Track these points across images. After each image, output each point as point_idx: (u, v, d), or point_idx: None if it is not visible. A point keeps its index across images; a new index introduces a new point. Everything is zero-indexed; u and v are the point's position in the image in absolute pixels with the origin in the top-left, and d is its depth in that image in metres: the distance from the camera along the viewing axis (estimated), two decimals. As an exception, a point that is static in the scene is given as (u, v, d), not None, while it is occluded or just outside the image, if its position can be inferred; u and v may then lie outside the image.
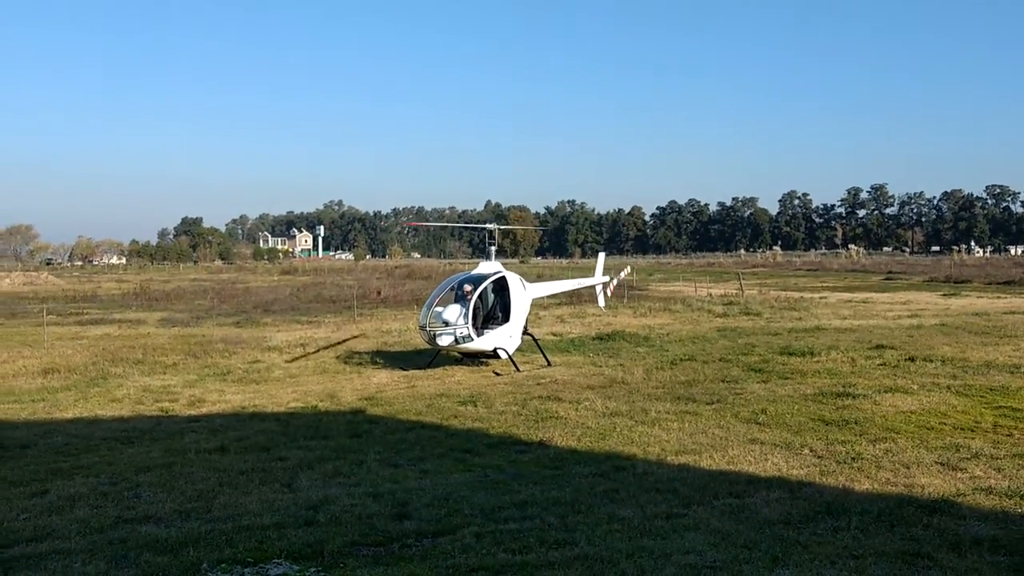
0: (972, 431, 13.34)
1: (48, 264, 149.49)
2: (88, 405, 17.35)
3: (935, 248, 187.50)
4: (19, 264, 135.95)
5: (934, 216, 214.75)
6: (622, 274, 34.82)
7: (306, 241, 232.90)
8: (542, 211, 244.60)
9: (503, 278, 22.05)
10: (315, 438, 13.92)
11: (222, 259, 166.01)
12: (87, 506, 10.20)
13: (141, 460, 12.61)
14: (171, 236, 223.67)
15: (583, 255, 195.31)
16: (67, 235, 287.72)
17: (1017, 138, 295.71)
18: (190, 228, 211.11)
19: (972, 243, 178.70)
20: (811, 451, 12.26)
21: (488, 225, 24.92)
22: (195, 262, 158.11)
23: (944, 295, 46.74)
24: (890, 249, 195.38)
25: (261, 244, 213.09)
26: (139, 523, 9.50)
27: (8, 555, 8.51)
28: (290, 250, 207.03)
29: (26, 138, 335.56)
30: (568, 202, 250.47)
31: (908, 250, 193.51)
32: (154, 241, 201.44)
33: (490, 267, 22.41)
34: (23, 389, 19.38)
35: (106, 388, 19.32)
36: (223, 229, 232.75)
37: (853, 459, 11.68)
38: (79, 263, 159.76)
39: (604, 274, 30.25)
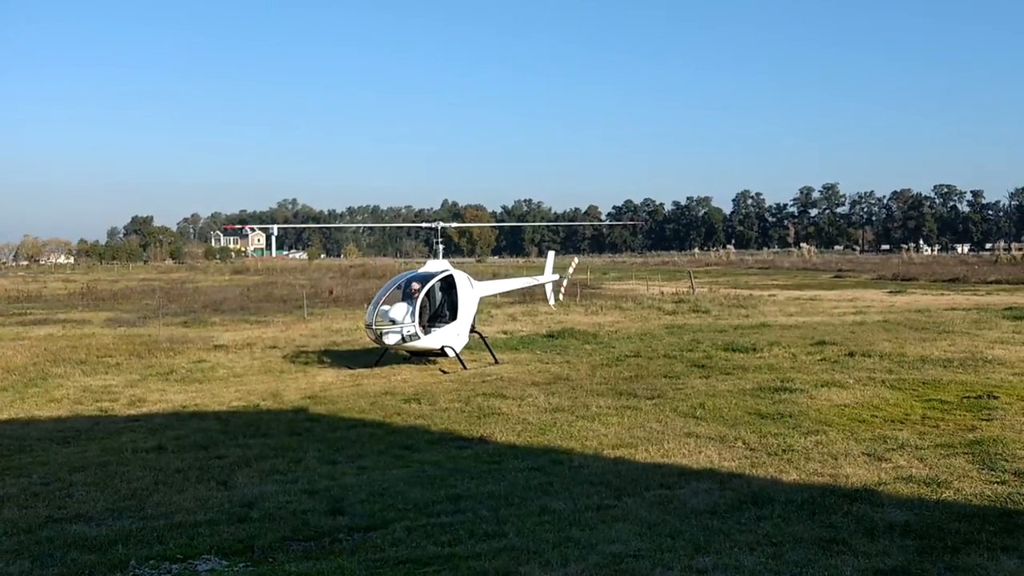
0: (901, 423, 13.73)
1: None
2: (25, 406, 17.08)
3: (885, 246, 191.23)
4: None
5: (884, 215, 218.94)
6: (569, 270, 34.90)
7: (259, 240, 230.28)
8: (499, 210, 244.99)
9: (451, 276, 22.11)
10: (255, 436, 13.87)
11: (173, 258, 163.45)
12: (16, 506, 10.09)
13: (76, 460, 12.48)
14: (121, 235, 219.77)
15: (539, 254, 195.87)
16: (12, 234, 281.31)
17: (964, 139, 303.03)
18: (140, 227, 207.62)
19: (921, 242, 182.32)
20: (744, 444, 12.53)
21: (436, 223, 24.96)
22: (145, 261, 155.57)
23: (890, 292, 47.80)
24: (841, 247, 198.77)
25: (213, 243, 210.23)
26: (69, 522, 9.43)
27: (-69, 556, 8.40)
28: (242, 249, 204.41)
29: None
30: (525, 201, 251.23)
31: (858, 248, 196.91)
32: (103, 240, 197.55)
33: (438, 265, 22.47)
34: (-41, 390, 18.98)
35: (45, 388, 19.02)
36: (174, 228, 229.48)
37: (784, 451, 11.97)
38: (25, 263, 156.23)
39: (554, 272, 30.45)
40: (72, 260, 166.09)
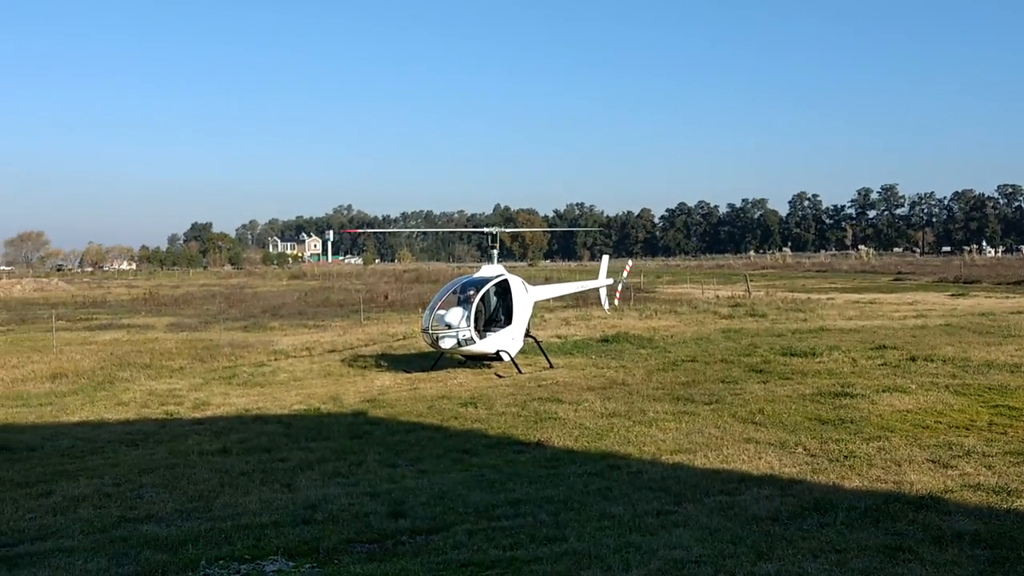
0: (967, 429, 13.46)
1: (59, 270, 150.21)
2: (95, 409, 17.61)
3: (946, 248, 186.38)
4: (30, 270, 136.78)
5: (945, 216, 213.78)
6: (623, 273, 34.08)
7: (315, 246, 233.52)
8: (551, 214, 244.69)
9: (505, 281, 22.24)
10: (316, 439, 14.13)
11: (232, 264, 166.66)
12: (91, 506, 10.42)
13: (145, 462, 12.84)
14: (181, 241, 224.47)
15: (591, 257, 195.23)
16: (78, 241, 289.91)
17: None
18: (200, 233, 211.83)
19: (984, 243, 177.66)
20: (805, 450, 12.40)
21: (492, 229, 25.09)
22: (205, 267, 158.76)
23: (952, 295, 46.72)
24: (900, 250, 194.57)
25: (271, 249, 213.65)
26: (141, 522, 9.71)
27: (13, 553, 8.74)
28: (299, 255, 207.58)
29: (36, 146, 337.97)
30: (577, 205, 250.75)
31: (919, 251, 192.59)
32: (164, 247, 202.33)
33: (493, 270, 22.62)
34: (31, 393, 19.66)
35: (113, 392, 19.58)
36: (233, 234, 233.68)
37: (846, 457, 11.82)
38: (89, 269, 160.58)
39: (608, 277, 30.35)
40: (134, 266, 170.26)
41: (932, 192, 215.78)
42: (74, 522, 9.71)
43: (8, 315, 44.08)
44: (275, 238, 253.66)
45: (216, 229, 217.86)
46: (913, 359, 20.88)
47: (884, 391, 16.74)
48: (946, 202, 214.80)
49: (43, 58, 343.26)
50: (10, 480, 11.90)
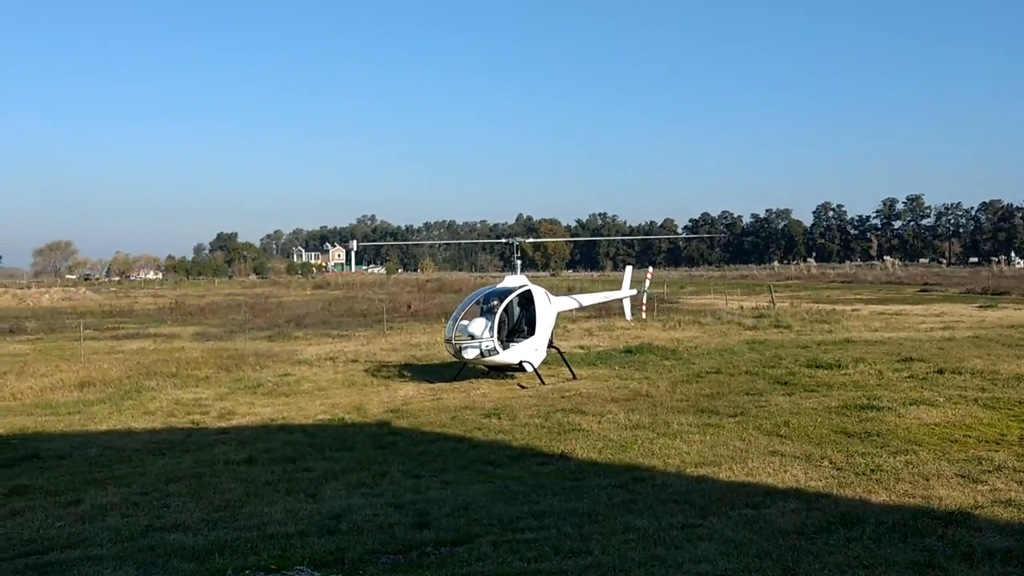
0: (997, 444, 13.29)
1: (86, 279, 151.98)
2: (122, 417, 17.78)
3: (973, 259, 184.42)
4: (58, 279, 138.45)
5: (972, 227, 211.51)
6: (645, 283, 33.39)
7: (339, 255, 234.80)
8: (573, 224, 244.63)
9: (528, 291, 22.24)
10: (341, 450, 14.18)
11: (257, 274, 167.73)
12: (119, 515, 10.52)
13: (171, 471, 12.94)
14: (207, 251, 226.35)
15: (614, 268, 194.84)
16: (105, 251, 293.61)
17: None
18: (225, 243, 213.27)
19: (1012, 254, 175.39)
20: (831, 463, 12.30)
21: (515, 239, 25.14)
22: (230, 277, 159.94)
23: (980, 307, 46.21)
24: (927, 261, 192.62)
25: (295, 259, 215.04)
26: (168, 531, 9.78)
27: (43, 561, 8.83)
28: (323, 264, 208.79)
29: (65, 156, 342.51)
30: (600, 215, 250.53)
31: (945, 262, 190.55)
32: (190, 256, 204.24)
33: (516, 280, 22.62)
34: (60, 402, 19.90)
35: (140, 401, 19.76)
36: (258, 244, 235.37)
37: (872, 471, 11.71)
38: (116, 278, 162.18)
39: (631, 287, 30.28)
40: (160, 276, 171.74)
41: (959, 202, 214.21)
42: (102, 530, 9.80)
43: (37, 324, 44.63)
44: (299, 248, 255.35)
45: (241, 239, 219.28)
46: (940, 372, 20.67)
47: (911, 404, 16.58)
48: (973, 212, 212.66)
49: (70, 70, 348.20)
50: (39, 488, 12.04)
